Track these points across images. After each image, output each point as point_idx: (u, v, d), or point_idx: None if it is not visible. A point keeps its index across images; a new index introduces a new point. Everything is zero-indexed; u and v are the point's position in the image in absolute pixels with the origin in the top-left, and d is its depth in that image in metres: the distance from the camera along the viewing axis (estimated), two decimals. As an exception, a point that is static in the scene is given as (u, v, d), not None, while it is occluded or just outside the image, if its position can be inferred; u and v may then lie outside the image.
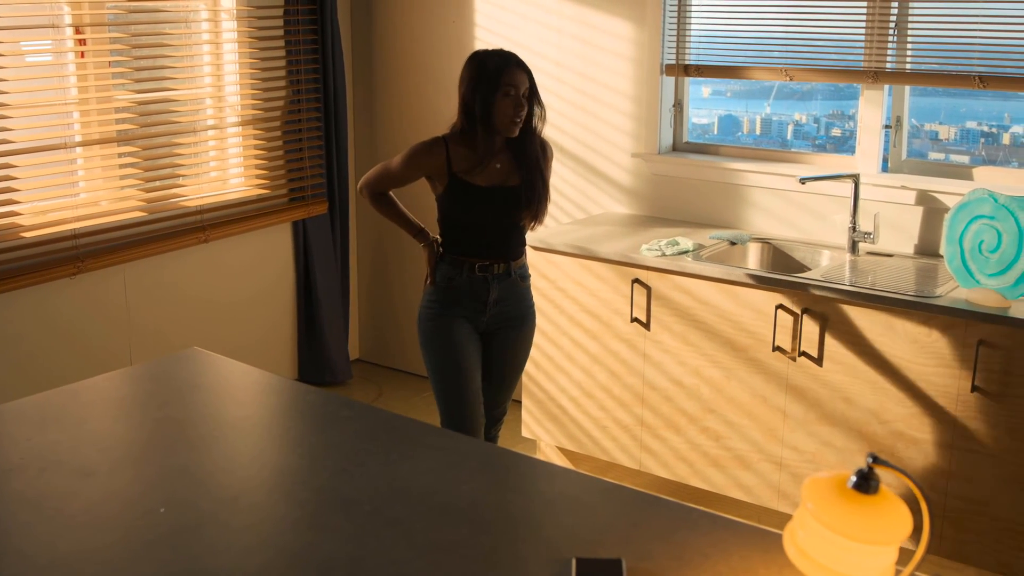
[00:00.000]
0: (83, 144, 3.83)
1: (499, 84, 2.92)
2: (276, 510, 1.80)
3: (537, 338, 3.88)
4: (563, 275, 3.75)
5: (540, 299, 3.82)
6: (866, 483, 1.37)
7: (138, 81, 4.06)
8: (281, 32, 4.44)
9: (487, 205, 3.01)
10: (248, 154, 4.44)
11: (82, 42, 3.77)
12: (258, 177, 4.46)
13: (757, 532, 1.73)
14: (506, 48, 3.07)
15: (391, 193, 3.21)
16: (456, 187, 3.01)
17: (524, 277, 3.17)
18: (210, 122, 4.34)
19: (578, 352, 3.79)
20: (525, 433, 4.03)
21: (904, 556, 1.42)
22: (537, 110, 3.05)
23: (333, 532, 1.71)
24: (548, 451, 4.04)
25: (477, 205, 3.01)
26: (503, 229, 3.06)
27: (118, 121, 3.94)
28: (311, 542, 1.68)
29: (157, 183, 4.08)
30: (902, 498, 1.44)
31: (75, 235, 3.73)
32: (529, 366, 3.94)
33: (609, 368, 3.72)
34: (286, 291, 4.69)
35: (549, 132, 4.30)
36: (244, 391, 2.42)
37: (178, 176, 4.20)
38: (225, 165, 4.43)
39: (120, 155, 3.96)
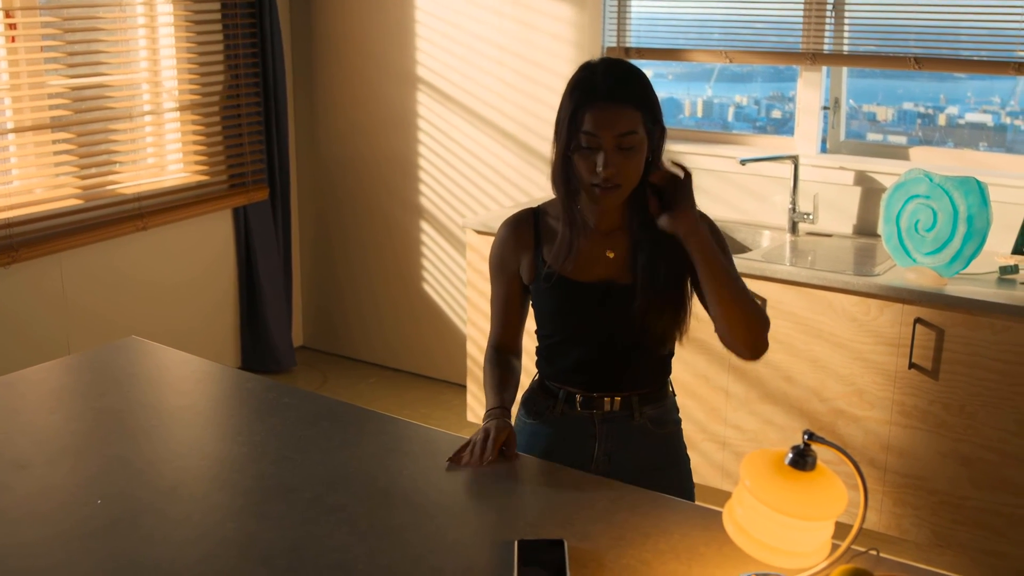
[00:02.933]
0: (15, 131, 3.74)
1: (575, 129, 1.87)
2: (216, 499, 1.79)
3: (481, 322, 3.88)
4: (507, 259, 3.74)
5: (483, 283, 3.82)
6: (802, 460, 1.39)
7: (72, 66, 3.98)
8: (219, 16, 4.37)
9: (589, 310, 2.01)
10: (186, 140, 4.37)
11: (12, 26, 3.68)
12: (197, 163, 4.40)
13: (698, 510, 1.75)
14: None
15: (511, 356, 2.15)
16: (544, 280, 2.04)
17: (662, 422, 2.10)
18: (147, 107, 4.27)
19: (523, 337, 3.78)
20: (471, 418, 4.03)
21: (843, 531, 1.43)
22: (665, 163, 1.92)
23: (274, 520, 1.69)
24: (494, 435, 4.04)
25: (573, 309, 2.03)
26: (618, 347, 2.01)
27: (52, 107, 3.86)
28: (252, 531, 1.66)
29: (93, 170, 4.01)
30: (843, 475, 1.46)
31: (8, 224, 3.65)
32: (473, 349, 3.93)
33: (554, 351, 3.72)
34: (227, 279, 4.63)
35: (492, 117, 4.30)
36: (184, 380, 2.38)
37: (114, 163, 4.13)
38: (163, 151, 4.36)
39: (54, 142, 3.88)
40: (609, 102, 1.85)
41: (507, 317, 2.15)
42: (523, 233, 2.07)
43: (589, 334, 2.03)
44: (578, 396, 2.05)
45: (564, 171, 1.92)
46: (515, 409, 2.10)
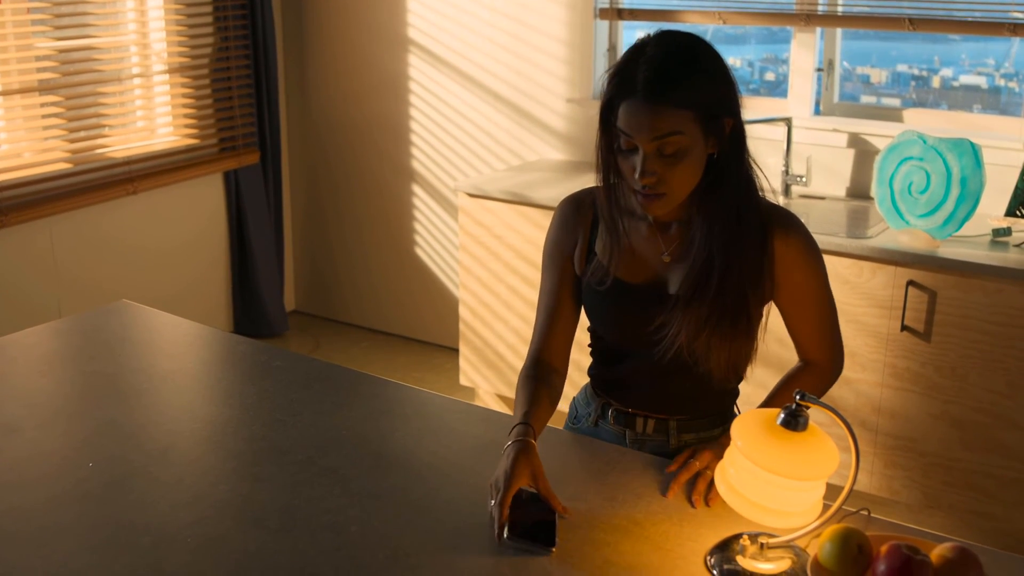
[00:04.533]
0: (3, 94, 3.71)
1: (612, 123, 1.63)
2: (208, 462, 1.78)
3: (474, 285, 3.88)
4: (498, 222, 3.73)
5: (476, 246, 3.81)
6: (794, 420, 1.39)
7: (59, 28, 3.93)
8: (207, -23, 4.32)
9: (630, 316, 1.77)
10: (176, 103, 4.34)
11: (-2, -13, 3.64)
12: (187, 127, 4.37)
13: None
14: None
15: (550, 373, 1.82)
16: (591, 272, 1.80)
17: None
18: (136, 70, 4.23)
19: (515, 299, 3.79)
20: (463, 381, 4.03)
21: (834, 492, 1.44)
22: (735, 166, 1.65)
23: (267, 482, 1.69)
24: (487, 398, 4.05)
25: (614, 312, 1.80)
26: (659, 363, 1.74)
27: (39, 70, 3.82)
28: (244, 493, 1.66)
29: (82, 134, 3.98)
30: (834, 437, 1.46)
31: (-3, 188, 3.63)
32: (465, 312, 3.93)
33: (546, 314, 3.72)
34: (219, 243, 4.61)
35: (484, 79, 4.27)
36: (175, 343, 2.38)
37: (104, 126, 4.09)
38: (152, 115, 4.32)
39: (42, 105, 3.84)
40: (646, 102, 1.55)
41: (552, 320, 1.84)
42: (583, 214, 1.81)
43: (630, 343, 1.80)
44: (612, 409, 1.87)
45: (605, 164, 1.69)
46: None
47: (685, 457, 1.71)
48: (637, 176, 1.59)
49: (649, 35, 1.62)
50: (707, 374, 1.73)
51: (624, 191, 1.71)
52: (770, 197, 1.75)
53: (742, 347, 1.72)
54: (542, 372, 1.81)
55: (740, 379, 1.84)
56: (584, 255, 1.80)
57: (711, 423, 1.85)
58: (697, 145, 1.59)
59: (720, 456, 1.55)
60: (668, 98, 1.55)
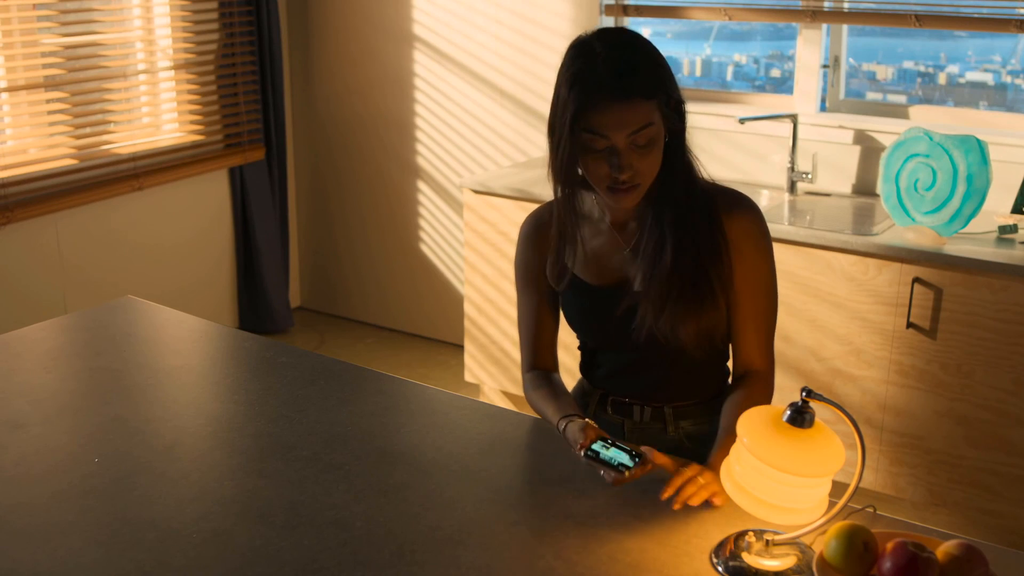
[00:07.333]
0: (8, 90, 3.71)
1: (576, 128, 1.63)
2: (214, 458, 1.79)
3: (479, 282, 3.88)
4: (504, 218, 3.73)
5: (481, 243, 3.81)
6: (800, 417, 1.39)
7: (65, 24, 3.93)
8: (212, -27, 4.33)
9: (607, 315, 1.82)
10: (181, 99, 4.34)
11: (4, -17, 3.65)
12: (192, 123, 4.37)
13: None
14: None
15: (550, 373, 1.93)
16: (565, 285, 1.87)
17: (701, 440, 1.86)
18: (141, 66, 4.23)
19: (520, 296, 3.78)
20: (468, 378, 4.03)
21: (840, 490, 1.44)
22: (682, 149, 1.72)
23: (272, 478, 1.70)
24: (492, 395, 4.05)
25: (592, 315, 1.87)
26: (644, 354, 1.82)
27: (45, 66, 3.82)
28: (250, 489, 1.67)
29: (88, 130, 3.98)
30: (840, 434, 1.46)
31: (3, 184, 3.63)
32: (470, 309, 3.93)
33: (551, 311, 3.71)
34: (224, 239, 4.62)
35: (489, 75, 4.26)
36: (180, 339, 2.38)
37: (109, 122, 4.10)
38: (158, 111, 4.33)
39: (48, 101, 3.85)
40: (617, 99, 1.59)
41: (537, 333, 1.92)
42: (545, 232, 1.86)
43: (612, 340, 1.86)
44: (610, 400, 1.92)
45: (567, 175, 1.72)
46: None
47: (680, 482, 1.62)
48: (615, 173, 1.63)
49: (582, 37, 1.66)
50: (682, 351, 1.76)
51: (581, 197, 1.79)
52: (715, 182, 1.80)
53: (710, 316, 1.75)
54: (543, 378, 1.91)
55: (721, 354, 1.87)
56: (555, 268, 1.86)
57: (708, 408, 1.88)
58: (662, 132, 1.65)
59: (717, 475, 1.57)
60: (637, 91, 1.60)
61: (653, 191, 1.71)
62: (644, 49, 1.65)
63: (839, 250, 3.08)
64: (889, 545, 1.33)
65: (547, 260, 1.87)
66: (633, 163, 1.63)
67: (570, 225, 1.79)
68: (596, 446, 1.63)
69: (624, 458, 1.61)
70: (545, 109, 4.31)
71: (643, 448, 1.64)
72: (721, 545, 1.50)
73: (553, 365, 1.95)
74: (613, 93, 1.59)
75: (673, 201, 1.71)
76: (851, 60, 3.79)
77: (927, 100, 3.76)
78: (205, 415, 1.96)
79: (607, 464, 1.60)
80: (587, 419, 1.75)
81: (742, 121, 3.56)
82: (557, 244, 1.84)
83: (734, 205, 1.76)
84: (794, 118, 3.59)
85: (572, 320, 1.90)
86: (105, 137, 4.04)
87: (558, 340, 1.97)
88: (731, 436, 1.65)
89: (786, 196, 3.61)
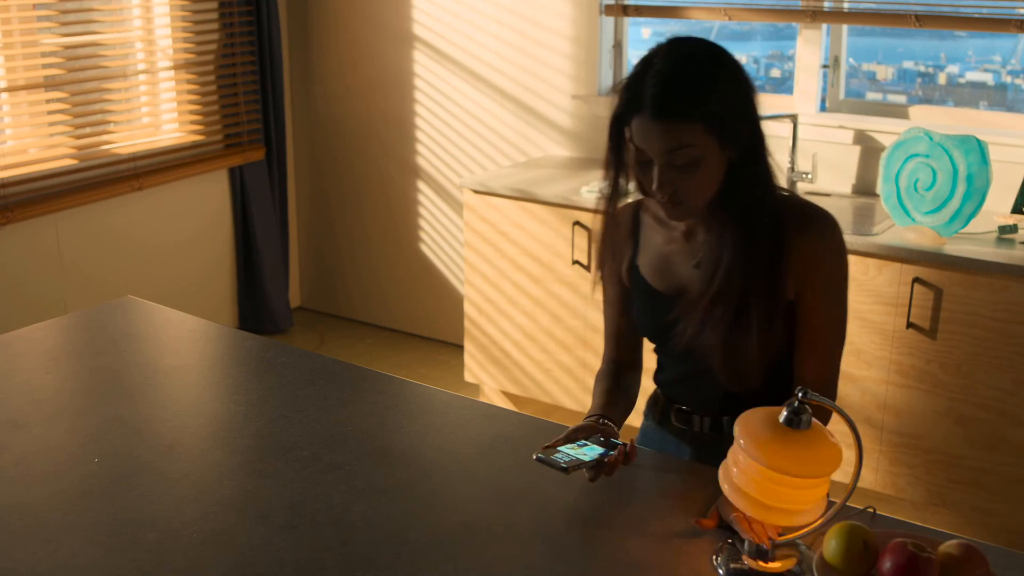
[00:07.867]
0: (8, 90, 3.71)
1: (623, 136, 1.64)
2: (214, 458, 1.79)
3: (479, 282, 3.88)
4: (504, 218, 3.73)
5: (481, 243, 3.81)
6: (797, 418, 1.38)
7: (65, 24, 3.93)
8: (212, -27, 4.33)
9: (664, 322, 1.78)
10: (181, 99, 4.34)
11: (4, -17, 3.65)
12: (192, 123, 4.37)
13: (694, 468, 1.75)
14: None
15: (625, 370, 1.94)
16: (632, 281, 1.87)
17: None
18: (141, 66, 4.23)
19: (520, 295, 3.79)
20: (468, 378, 4.03)
21: (840, 490, 1.44)
22: (750, 169, 1.65)
23: (271, 478, 1.70)
24: (492, 395, 4.06)
25: (651, 319, 1.84)
26: (701, 366, 1.76)
27: (45, 66, 3.82)
28: (250, 489, 1.67)
29: (87, 130, 3.98)
30: (839, 434, 1.46)
31: (3, 184, 3.63)
32: (470, 309, 3.93)
33: (551, 311, 3.72)
34: (224, 239, 4.62)
35: (489, 75, 4.26)
36: (180, 339, 2.38)
37: (109, 122, 4.10)
38: (158, 111, 4.33)
39: (48, 101, 3.85)
40: (653, 118, 1.56)
41: (618, 324, 1.92)
42: (623, 227, 1.84)
43: (669, 348, 1.82)
44: (674, 410, 1.89)
45: (604, 164, 1.70)
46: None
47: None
48: (654, 187, 1.61)
49: (660, 45, 1.63)
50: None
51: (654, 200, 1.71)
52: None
53: (741, 348, 1.69)
54: (614, 371, 1.92)
55: (782, 371, 1.79)
56: (630, 268, 1.85)
57: None
58: (711, 154, 1.59)
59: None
60: (675, 113, 1.56)
61: (718, 208, 1.66)
62: (702, 68, 1.60)
63: (839, 250, 3.08)
64: (889, 545, 1.33)
65: (625, 256, 1.86)
66: (673, 180, 1.59)
67: (610, 214, 1.78)
68: (565, 448, 1.62)
69: (597, 451, 1.61)
70: (544, 108, 4.32)
71: (623, 441, 1.65)
72: (722, 546, 1.50)
73: (629, 359, 1.94)
74: (651, 111, 1.57)
75: (734, 221, 1.65)
76: (851, 60, 3.79)
77: (927, 100, 3.76)
78: (205, 415, 1.96)
79: (581, 464, 1.59)
80: (605, 420, 1.74)
81: (742, 121, 3.56)
82: (633, 245, 1.84)
83: (807, 227, 1.69)
84: (794, 118, 3.59)
85: (636, 319, 1.88)
86: (105, 137, 4.04)
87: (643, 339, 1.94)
88: None
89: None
